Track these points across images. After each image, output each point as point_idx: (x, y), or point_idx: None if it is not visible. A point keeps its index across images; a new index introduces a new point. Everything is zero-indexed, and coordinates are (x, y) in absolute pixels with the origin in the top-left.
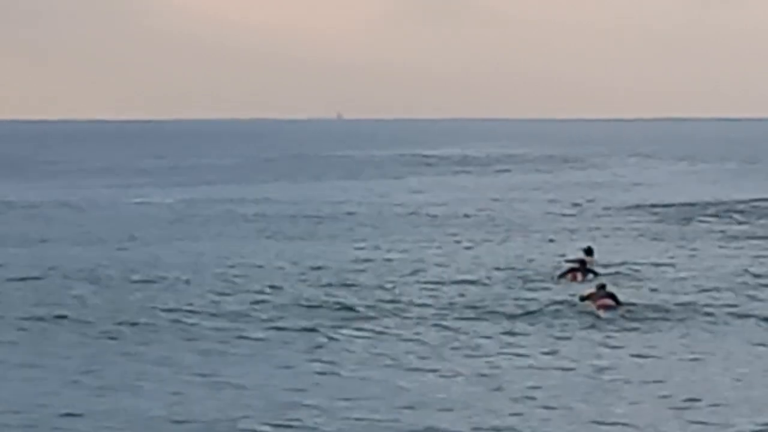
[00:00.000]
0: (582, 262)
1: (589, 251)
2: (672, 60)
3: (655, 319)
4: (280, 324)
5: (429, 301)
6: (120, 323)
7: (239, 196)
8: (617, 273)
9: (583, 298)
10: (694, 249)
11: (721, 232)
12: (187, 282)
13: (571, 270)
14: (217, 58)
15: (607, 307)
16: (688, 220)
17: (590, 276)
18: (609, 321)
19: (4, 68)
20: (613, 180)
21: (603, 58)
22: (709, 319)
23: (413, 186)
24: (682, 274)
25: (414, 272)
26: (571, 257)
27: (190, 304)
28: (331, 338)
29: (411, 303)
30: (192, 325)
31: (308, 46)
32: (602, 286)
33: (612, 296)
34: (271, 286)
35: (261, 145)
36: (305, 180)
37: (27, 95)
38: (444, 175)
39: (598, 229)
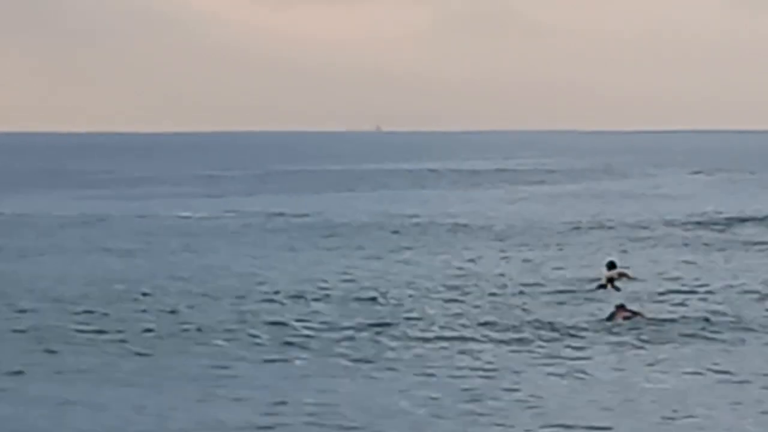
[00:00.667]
0: (610, 279)
1: (612, 265)
2: (712, 71)
3: (678, 332)
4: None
5: (466, 317)
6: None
7: (278, 209)
8: (655, 285)
9: (608, 318)
10: (732, 261)
11: (762, 243)
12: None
13: (600, 286)
14: (256, 69)
15: (626, 318)
16: (727, 231)
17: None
18: (636, 337)
19: (47, 82)
20: (651, 192)
21: (646, 68)
22: (738, 332)
23: (454, 198)
24: (716, 286)
25: (457, 287)
26: (607, 273)
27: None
28: (374, 351)
29: (455, 316)
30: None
31: (347, 57)
32: (621, 306)
33: (630, 311)
34: (322, 297)
35: (298, 157)
36: (341, 192)
37: (67, 107)
38: (484, 188)
39: (638, 240)
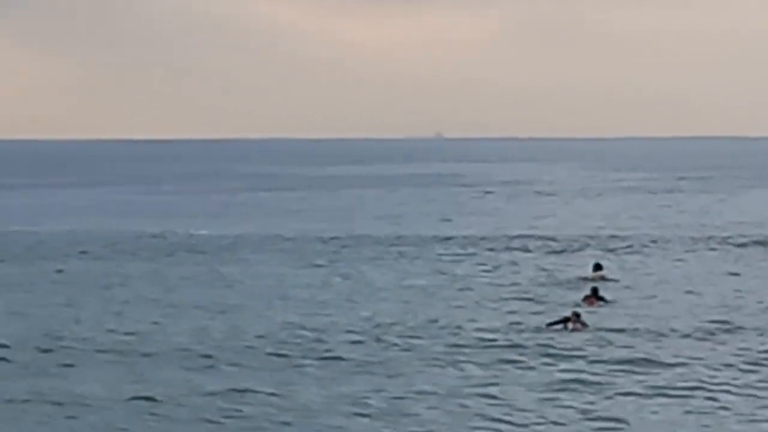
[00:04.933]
0: (595, 290)
1: (598, 267)
2: None
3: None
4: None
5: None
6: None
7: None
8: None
9: (550, 324)
10: None
11: None
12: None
13: (587, 297)
14: (317, 76)
15: (570, 326)
16: None
17: (601, 303)
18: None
19: (128, 92)
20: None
21: (714, 79)
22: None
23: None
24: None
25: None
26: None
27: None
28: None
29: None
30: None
31: (409, 64)
32: (576, 314)
33: (579, 318)
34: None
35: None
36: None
37: (147, 116)
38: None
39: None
